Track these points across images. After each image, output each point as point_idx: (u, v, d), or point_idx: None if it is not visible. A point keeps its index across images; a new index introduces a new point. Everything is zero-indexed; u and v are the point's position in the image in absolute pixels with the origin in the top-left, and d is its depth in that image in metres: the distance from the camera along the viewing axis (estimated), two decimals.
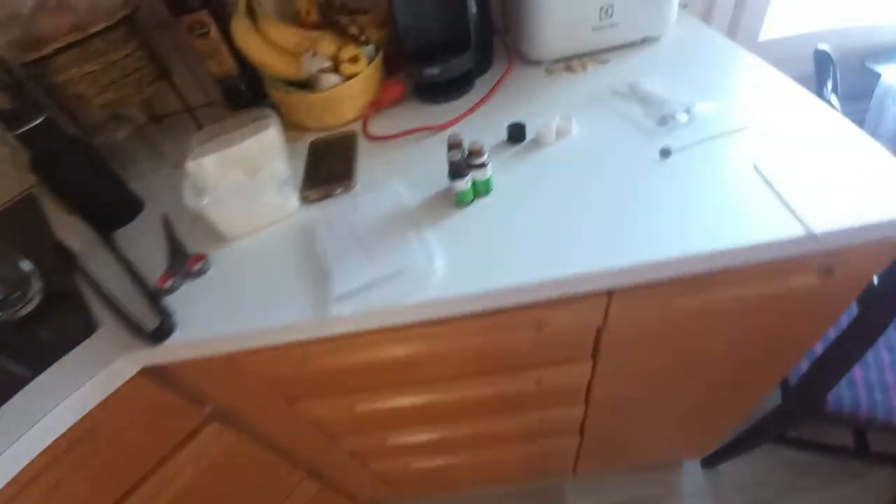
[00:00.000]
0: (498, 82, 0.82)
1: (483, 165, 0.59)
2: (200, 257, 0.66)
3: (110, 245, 0.72)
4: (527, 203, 0.60)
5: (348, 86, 0.79)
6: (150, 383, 0.63)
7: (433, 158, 0.70)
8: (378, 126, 0.82)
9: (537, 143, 0.68)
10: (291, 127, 0.87)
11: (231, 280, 0.62)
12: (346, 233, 0.61)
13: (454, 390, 0.77)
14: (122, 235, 0.75)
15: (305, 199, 0.70)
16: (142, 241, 0.74)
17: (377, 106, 0.83)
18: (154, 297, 0.61)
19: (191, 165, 0.67)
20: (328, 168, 0.75)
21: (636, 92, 0.73)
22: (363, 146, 0.79)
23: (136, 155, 0.90)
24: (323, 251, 0.60)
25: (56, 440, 0.56)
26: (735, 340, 0.70)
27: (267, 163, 0.67)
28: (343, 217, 0.64)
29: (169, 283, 0.63)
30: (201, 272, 0.64)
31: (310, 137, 0.83)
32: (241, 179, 0.67)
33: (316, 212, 0.68)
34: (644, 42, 0.84)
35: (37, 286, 0.70)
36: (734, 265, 0.52)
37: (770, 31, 1.10)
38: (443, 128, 0.76)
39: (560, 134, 0.68)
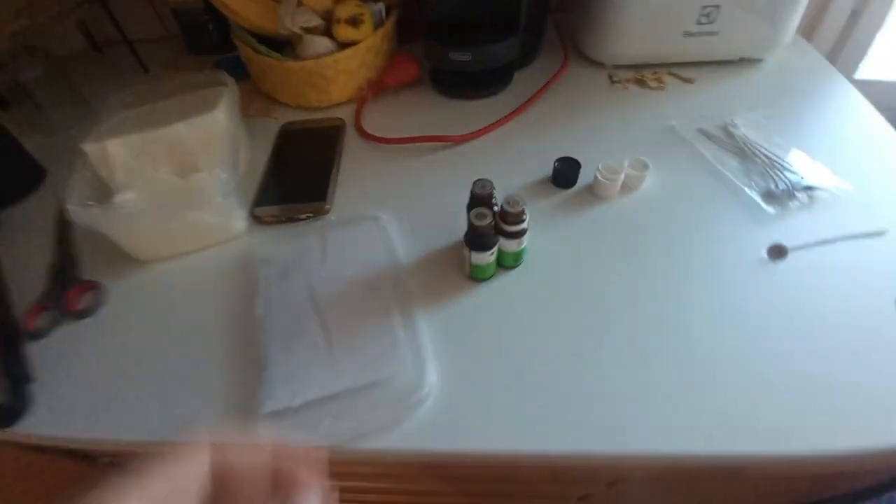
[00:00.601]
0: (547, 84, 0.61)
1: (520, 234, 0.39)
2: (90, 286, 0.45)
3: None
4: (568, 288, 0.41)
5: (343, 56, 0.56)
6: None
7: (447, 184, 0.50)
8: (376, 117, 0.60)
9: (594, 193, 0.49)
10: (261, 97, 0.64)
11: (128, 332, 0.43)
12: (303, 296, 0.42)
13: None
14: (9, 218, 0.54)
15: (257, 220, 0.49)
16: (31, 233, 0.53)
17: (379, 87, 0.61)
18: (10, 345, 0.42)
19: (90, 148, 0.45)
20: (298, 172, 0.54)
21: (733, 137, 0.53)
22: (352, 144, 0.57)
23: (54, 100, 0.67)
24: (262, 319, 0.40)
25: None
26: None
27: (206, 161, 0.46)
28: (303, 264, 0.44)
29: (39, 321, 0.43)
30: (88, 311, 0.44)
31: (284, 116, 0.61)
32: (162, 180, 0.46)
33: (268, 242, 0.47)
34: (742, 63, 0.64)
35: None
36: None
37: (868, 69, 0.89)
38: (465, 140, 0.55)
39: (627, 185, 0.49)
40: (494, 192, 0.40)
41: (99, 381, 0.40)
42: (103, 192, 0.47)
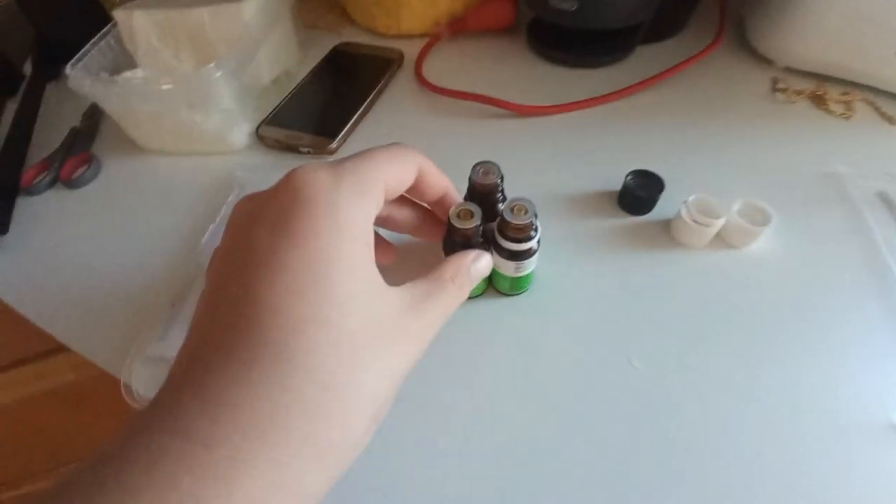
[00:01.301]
0: (680, 64, 0.44)
1: (522, 255, 0.27)
2: (87, 160, 0.43)
3: (36, 87, 0.52)
4: (589, 349, 0.29)
5: None
6: None
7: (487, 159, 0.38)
8: (444, 61, 0.49)
9: (670, 232, 0.34)
10: (337, 10, 0.57)
11: (100, 215, 0.40)
12: None
13: None
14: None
15: (261, 139, 0.43)
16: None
17: (460, 27, 0.50)
18: (3, 195, 0.41)
19: (119, 16, 0.42)
20: (327, 99, 0.46)
21: None
22: (401, 84, 0.48)
23: None
24: (202, 249, 0.34)
25: None
26: None
27: (224, 54, 0.40)
28: None
29: (35, 180, 0.43)
30: (78, 183, 0.42)
31: (350, 37, 0.53)
32: (176, 67, 0.42)
33: (258, 168, 0.41)
34: None
35: None
36: None
37: None
38: (533, 112, 0.42)
39: (726, 238, 0.33)
40: (501, 183, 0.28)
41: (57, 254, 0.38)
42: (128, 67, 0.44)
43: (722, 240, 0.33)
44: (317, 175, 0.17)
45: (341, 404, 0.15)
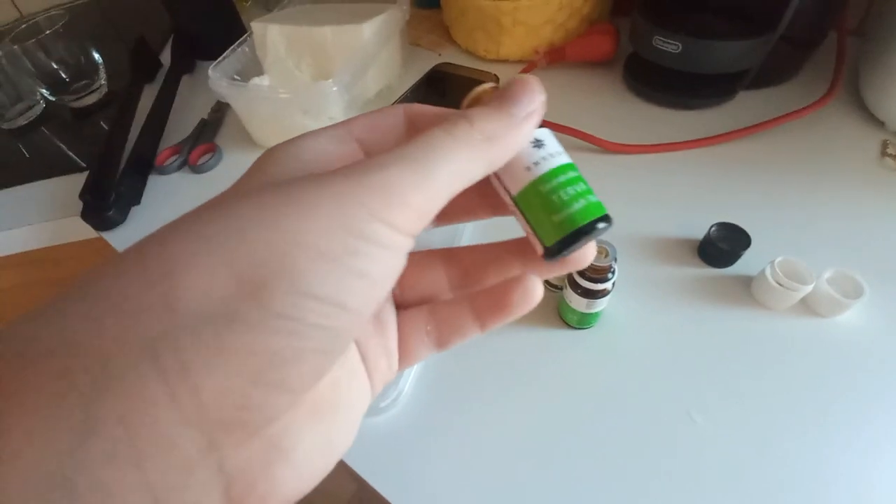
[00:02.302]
0: (783, 117, 0.43)
1: (596, 295, 0.28)
2: (210, 148, 0.50)
3: (174, 78, 0.59)
4: (651, 394, 0.29)
5: (525, 5, 0.48)
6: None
7: None
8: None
9: (752, 292, 0.34)
10: (440, 30, 0.60)
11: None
12: None
13: None
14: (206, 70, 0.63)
15: None
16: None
17: (558, 56, 0.51)
18: (140, 171, 0.48)
19: (255, 27, 0.48)
20: None
21: None
22: None
23: None
24: None
25: None
26: None
27: (340, 67, 0.44)
28: None
29: (167, 161, 0.49)
30: (202, 168, 0.48)
31: (449, 58, 0.56)
32: (297, 77, 0.47)
33: None
34: None
35: (102, 80, 0.63)
36: None
37: None
38: (621, 150, 0.43)
39: (812, 306, 0.32)
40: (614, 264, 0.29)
41: None
42: (255, 73, 0.49)
43: (806, 306, 0.32)
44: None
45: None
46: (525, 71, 0.51)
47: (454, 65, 0.54)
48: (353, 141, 0.15)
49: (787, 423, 0.28)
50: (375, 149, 0.15)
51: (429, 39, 0.59)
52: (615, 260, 0.27)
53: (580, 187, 0.14)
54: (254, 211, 0.11)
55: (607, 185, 0.41)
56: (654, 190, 0.40)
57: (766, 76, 0.46)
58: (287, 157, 0.13)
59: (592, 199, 0.14)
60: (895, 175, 0.39)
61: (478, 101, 0.15)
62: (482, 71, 0.52)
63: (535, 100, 0.14)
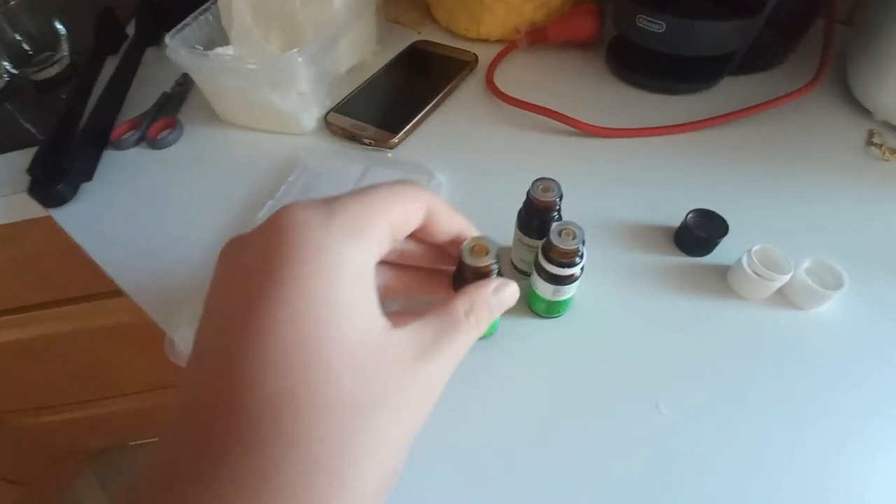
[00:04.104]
0: (767, 103, 0.41)
1: (564, 280, 0.27)
2: (170, 123, 0.47)
3: (137, 48, 0.56)
4: (626, 377, 0.28)
5: None
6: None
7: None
8: (517, 70, 0.49)
9: (728, 281, 0.32)
10: (421, 7, 0.58)
11: (173, 177, 0.43)
12: None
13: None
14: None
15: (327, 125, 0.44)
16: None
17: (539, 37, 0.49)
18: (94, 145, 0.45)
19: None
20: (397, 94, 0.47)
21: None
22: (470, 87, 0.48)
23: None
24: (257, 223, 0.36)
25: None
26: None
27: (307, 39, 0.42)
28: (329, 188, 0.38)
29: (124, 136, 0.46)
30: (160, 144, 0.46)
31: (429, 35, 0.54)
32: (263, 49, 0.44)
33: (321, 152, 0.42)
34: None
35: (64, 52, 0.59)
36: None
37: None
38: (602, 134, 0.41)
39: (789, 296, 0.31)
40: (560, 202, 0.27)
41: (131, 207, 0.41)
42: (222, 44, 0.47)
43: (784, 297, 0.31)
44: (305, 215, 0.16)
45: (335, 483, 0.13)
46: (504, 51, 0.49)
47: (432, 42, 0.52)
48: (389, 245, 0.18)
49: (753, 414, 0.26)
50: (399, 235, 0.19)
51: (409, 17, 0.57)
52: (583, 243, 0.25)
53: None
54: None
55: (586, 167, 0.40)
56: (633, 175, 0.39)
57: (751, 62, 0.45)
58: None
59: None
60: (879, 165, 0.38)
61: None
62: (460, 49, 0.50)
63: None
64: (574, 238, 0.25)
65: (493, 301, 0.20)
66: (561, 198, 0.27)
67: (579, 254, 0.26)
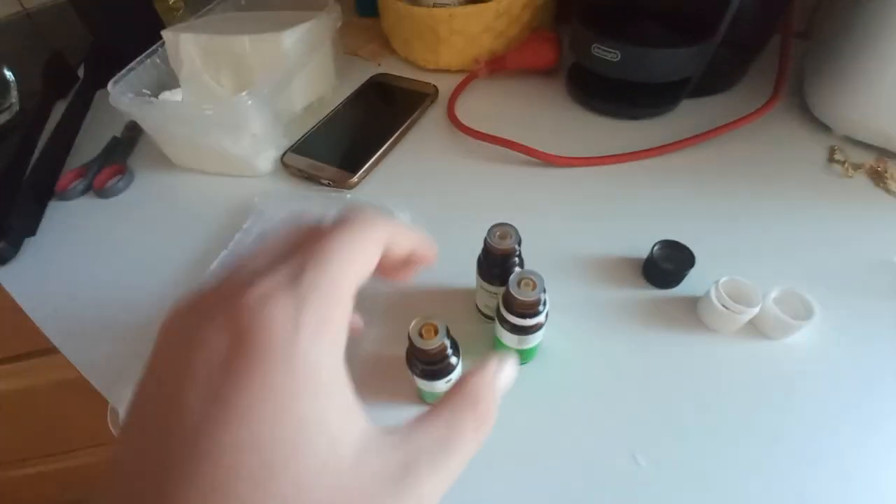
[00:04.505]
0: (725, 126, 0.41)
1: (527, 330, 0.25)
2: (119, 170, 0.45)
3: (85, 93, 0.54)
4: (594, 426, 0.27)
5: (461, 13, 0.45)
6: None
7: (512, 211, 0.37)
8: (479, 100, 0.48)
9: (697, 313, 0.31)
10: (380, 39, 0.57)
11: (122, 228, 0.41)
12: None
13: None
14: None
15: (284, 166, 0.43)
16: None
17: (498, 66, 0.49)
18: (38, 198, 0.43)
19: (167, 36, 0.43)
20: (357, 131, 0.46)
21: None
22: (432, 120, 0.47)
23: None
24: (208, 277, 0.34)
25: None
26: None
27: (257, 81, 0.41)
28: None
29: (70, 186, 0.44)
30: (108, 193, 0.44)
31: (389, 67, 0.53)
32: (214, 91, 0.43)
33: (279, 194, 0.41)
34: None
35: (13, 99, 0.57)
36: None
37: None
38: (564, 163, 0.41)
39: (760, 328, 0.30)
40: (519, 248, 0.26)
41: (75, 263, 0.39)
42: (171, 86, 0.45)
43: (755, 328, 0.30)
44: (271, 313, 0.13)
45: None
46: (465, 82, 0.49)
47: (392, 75, 0.51)
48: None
49: (733, 455, 0.25)
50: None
51: (368, 49, 0.56)
52: (544, 291, 0.24)
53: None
54: None
55: (549, 199, 0.39)
56: (598, 205, 0.38)
57: (709, 83, 0.45)
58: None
59: None
60: (843, 182, 0.38)
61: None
62: (420, 81, 0.49)
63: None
64: (534, 288, 0.24)
65: (497, 392, 0.17)
66: (520, 242, 0.26)
67: (542, 303, 0.24)
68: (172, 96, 0.43)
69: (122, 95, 0.39)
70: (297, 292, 0.14)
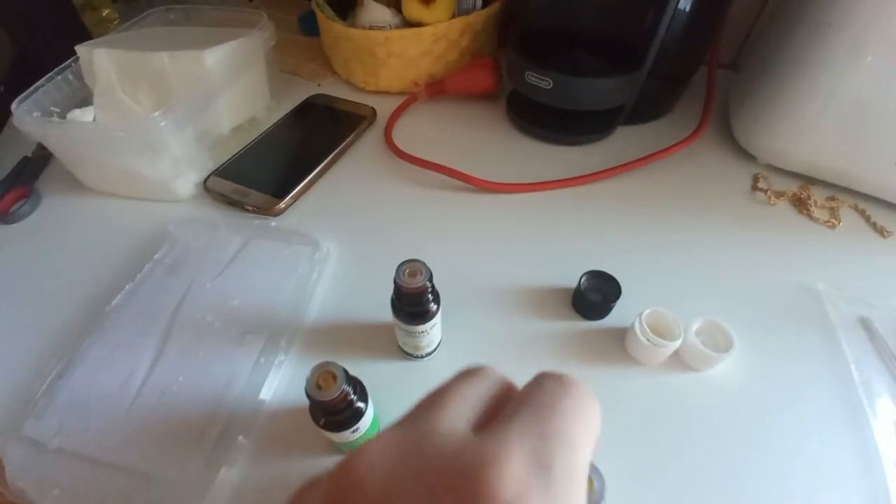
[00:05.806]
0: (653, 155, 0.42)
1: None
2: (23, 194, 0.41)
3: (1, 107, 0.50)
4: None
5: (398, 36, 0.45)
6: None
7: (441, 238, 0.36)
8: (417, 124, 0.48)
9: (627, 345, 0.31)
10: (322, 59, 0.56)
11: (32, 257, 0.37)
12: (168, 307, 0.32)
13: None
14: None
15: (207, 191, 0.40)
16: None
17: (438, 90, 0.48)
18: None
19: (80, 51, 0.41)
20: (288, 154, 0.44)
21: None
22: (369, 143, 0.46)
23: None
24: (109, 313, 0.31)
25: None
26: None
27: (173, 100, 0.38)
28: (202, 263, 0.34)
29: None
30: (12, 218, 0.40)
31: (329, 88, 0.52)
32: (129, 109, 0.40)
33: (197, 221, 0.38)
34: None
35: None
36: None
37: None
38: (497, 189, 0.40)
39: (684, 360, 0.30)
40: (430, 284, 0.25)
41: None
42: (87, 103, 0.42)
43: (680, 360, 0.30)
44: (514, 487, 0.10)
45: None
46: (403, 105, 0.48)
47: (329, 96, 0.50)
48: None
49: (663, 487, 0.24)
50: None
51: (308, 69, 0.55)
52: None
53: None
54: None
55: (482, 225, 0.38)
56: (531, 233, 0.37)
57: (643, 110, 0.46)
58: None
59: None
60: (766, 210, 0.39)
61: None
62: (358, 104, 0.48)
63: None
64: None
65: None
66: (431, 278, 0.25)
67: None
68: (83, 115, 0.40)
69: (26, 115, 0.36)
70: (551, 493, 0.11)
